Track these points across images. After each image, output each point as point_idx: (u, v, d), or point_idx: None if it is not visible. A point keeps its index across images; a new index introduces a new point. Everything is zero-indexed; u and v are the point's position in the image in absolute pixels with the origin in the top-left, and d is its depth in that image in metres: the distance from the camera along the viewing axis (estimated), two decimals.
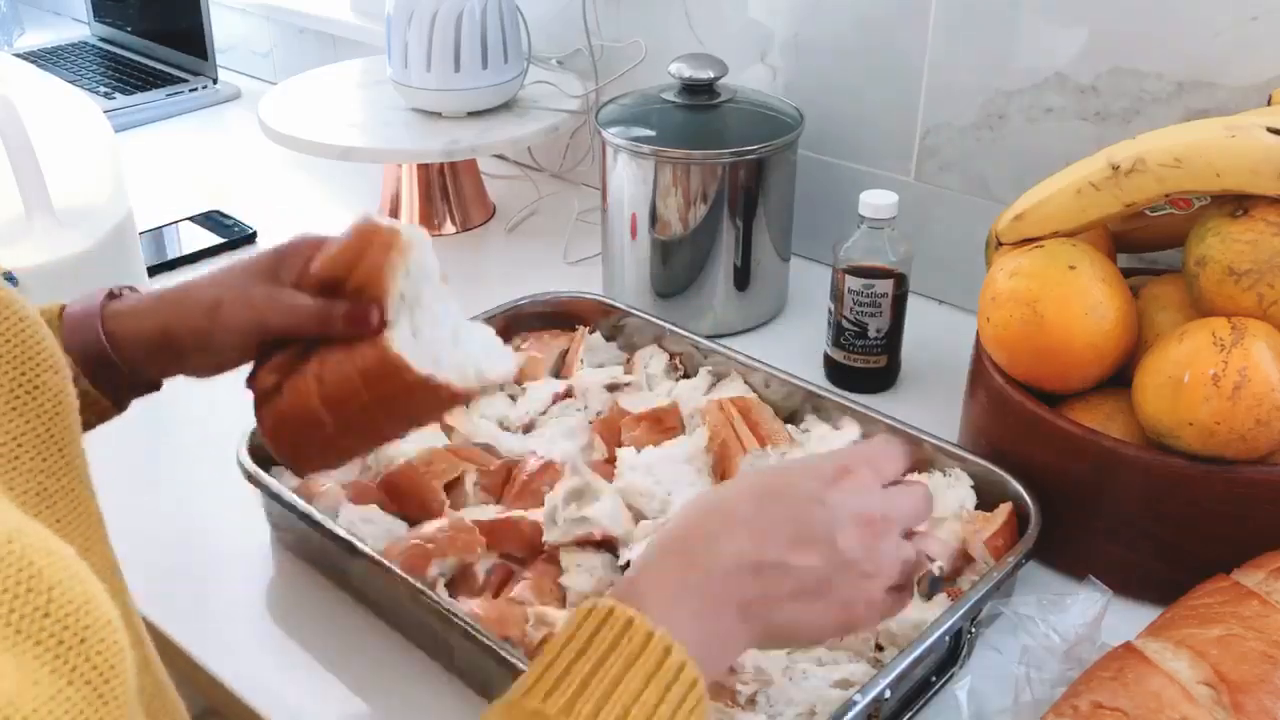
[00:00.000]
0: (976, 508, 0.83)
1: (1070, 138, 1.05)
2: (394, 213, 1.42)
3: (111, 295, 0.68)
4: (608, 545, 0.81)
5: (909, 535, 0.60)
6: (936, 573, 0.62)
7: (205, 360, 0.67)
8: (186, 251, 1.35)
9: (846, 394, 0.97)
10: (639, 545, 0.78)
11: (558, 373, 1.04)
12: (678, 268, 1.15)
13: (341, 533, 0.80)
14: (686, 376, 1.01)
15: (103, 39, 2.11)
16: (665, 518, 0.83)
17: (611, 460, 0.92)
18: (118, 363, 0.67)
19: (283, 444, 0.66)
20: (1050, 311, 0.82)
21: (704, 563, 0.55)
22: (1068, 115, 1.06)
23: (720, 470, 0.89)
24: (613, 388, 0.99)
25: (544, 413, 0.98)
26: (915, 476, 0.86)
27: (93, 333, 0.66)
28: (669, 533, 0.57)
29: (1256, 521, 0.78)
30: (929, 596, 0.67)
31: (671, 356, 1.03)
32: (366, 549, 0.78)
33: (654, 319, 1.05)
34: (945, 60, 1.12)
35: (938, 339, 1.12)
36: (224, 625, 0.83)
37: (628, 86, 1.27)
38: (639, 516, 0.84)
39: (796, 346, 1.13)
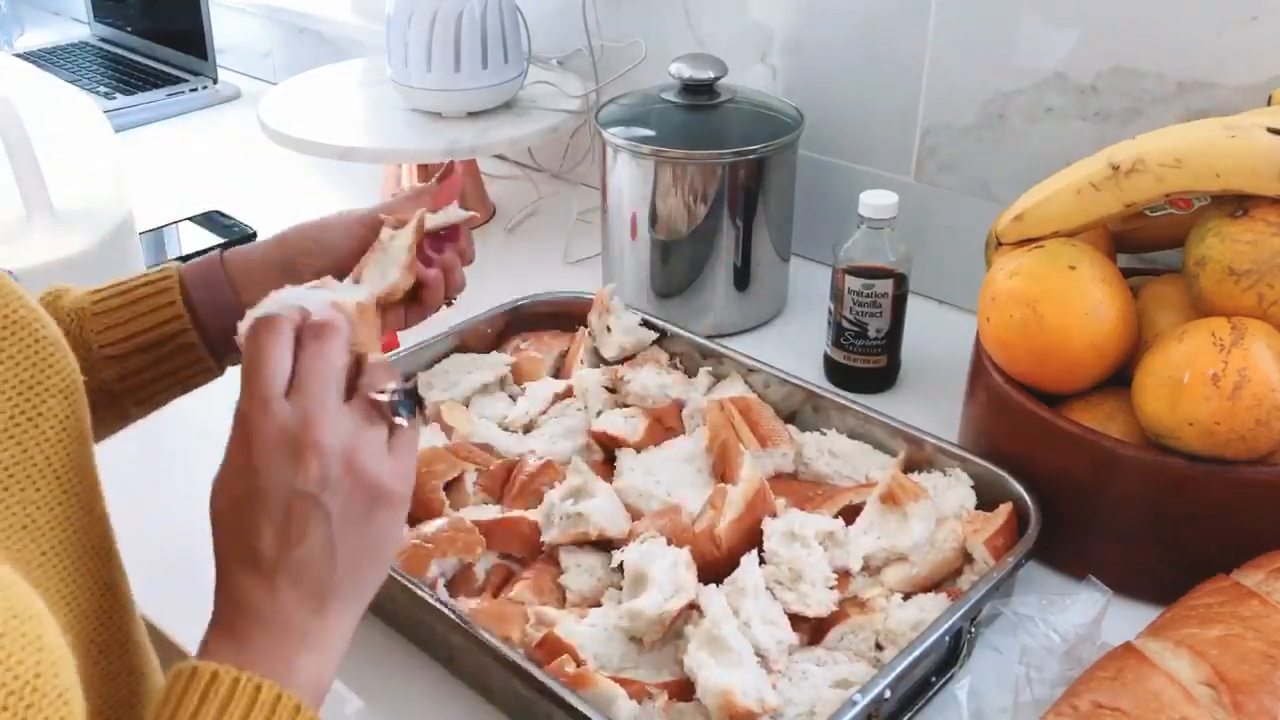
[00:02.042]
0: (976, 508, 0.83)
1: (1070, 138, 1.05)
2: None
3: (225, 246, 0.74)
4: (605, 545, 0.81)
5: (351, 387, 0.54)
6: (388, 398, 0.54)
7: (314, 265, 0.71)
8: (186, 252, 1.35)
9: (846, 394, 0.97)
10: (636, 544, 0.78)
11: (557, 373, 1.04)
12: (678, 268, 1.15)
13: None
14: (688, 374, 1.01)
15: (103, 39, 2.11)
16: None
17: (610, 461, 0.91)
18: (231, 307, 0.68)
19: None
20: (1050, 311, 0.81)
21: (244, 611, 0.51)
22: (1068, 115, 1.06)
23: (720, 471, 0.88)
24: (612, 389, 0.99)
25: (544, 412, 0.98)
26: (916, 476, 0.86)
27: (216, 274, 0.70)
28: (216, 595, 0.53)
29: (1256, 521, 0.78)
30: (413, 414, 0.55)
31: (671, 357, 1.02)
32: None
33: (653, 318, 1.05)
34: (945, 60, 1.12)
35: (938, 339, 1.12)
36: None
37: (628, 86, 1.28)
38: (639, 516, 0.84)
39: (796, 346, 1.13)
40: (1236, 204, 0.80)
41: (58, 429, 0.52)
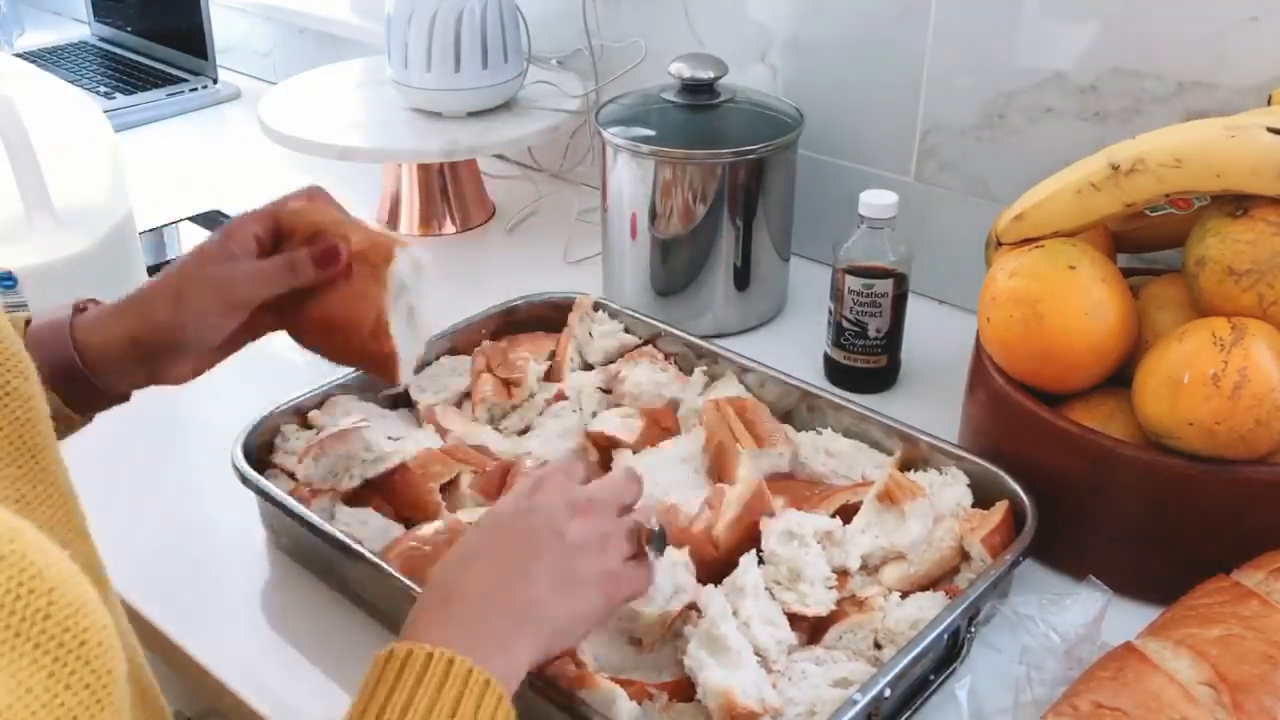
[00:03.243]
0: (973, 506, 0.83)
1: (1070, 138, 1.05)
2: (394, 212, 1.43)
3: (77, 309, 0.69)
4: None
5: (624, 514, 0.68)
6: (656, 529, 0.70)
7: (178, 360, 0.68)
8: (186, 252, 1.35)
9: (843, 392, 0.97)
10: None
11: (548, 374, 1.03)
12: (678, 268, 1.15)
13: (338, 535, 0.80)
14: (683, 373, 1.01)
15: (103, 39, 2.11)
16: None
17: (606, 463, 0.91)
18: (87, 375, 0.67)
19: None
20: (1050, 311, 0.81)
21: (459, 596, 0.60)
22: (1068, 115, 1.06)
23: (717, 471, 0.88)
24: (607, 389, 0.99)
25: (540, 414, 0.98)
26: (912, 475, 0.86)
27: (62, 345, 0.66)
28: (424, 592, 0.62)
29: (1256, 521, 0.78)
30: (660, 552, 0.71)
31: (666, 357, 1.02)
32: (364, 551, 0.78)
33: (648, 319, 1.05)
34: (945, 60, 1.12)
35: (938, 339, 1.12)
36: (223, 626, 0.83)
37: (628, 86, 1.28)
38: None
39: (796, 346, 1.13)
40: (1236, 204, 0.80)
41: (24, 408, 0.52)
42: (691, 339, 1.02)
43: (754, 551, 0.78)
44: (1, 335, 0.52)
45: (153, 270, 1.26)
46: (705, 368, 1.00)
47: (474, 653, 0.55)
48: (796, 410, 0.96)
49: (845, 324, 1.05)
